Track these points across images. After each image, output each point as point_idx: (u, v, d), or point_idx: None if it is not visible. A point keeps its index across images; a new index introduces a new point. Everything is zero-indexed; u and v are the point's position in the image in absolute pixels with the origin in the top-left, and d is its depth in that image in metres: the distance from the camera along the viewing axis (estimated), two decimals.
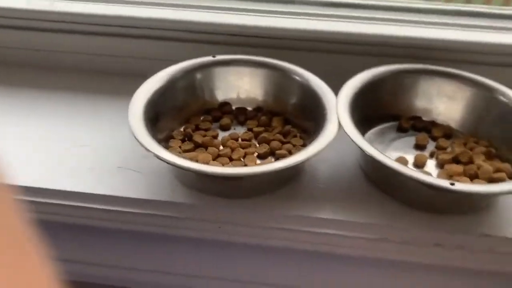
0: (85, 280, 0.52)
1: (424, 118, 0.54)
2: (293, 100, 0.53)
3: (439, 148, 0.51)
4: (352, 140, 0.44)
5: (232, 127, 0.54)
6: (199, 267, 0.50)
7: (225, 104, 0.55)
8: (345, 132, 0.45)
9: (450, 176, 0.47)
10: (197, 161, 0.47)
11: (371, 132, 0.53)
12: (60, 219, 0.47)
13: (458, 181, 0.45)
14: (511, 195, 0.45)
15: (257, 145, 0.51)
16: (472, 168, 0.47)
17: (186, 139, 0.51)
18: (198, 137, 0.50)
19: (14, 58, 0.62)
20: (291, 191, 0.47)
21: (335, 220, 0.45)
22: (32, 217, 0.16)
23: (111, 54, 0.59)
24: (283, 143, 0.51)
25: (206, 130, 0.52)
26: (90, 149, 0.50)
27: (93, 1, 0.59)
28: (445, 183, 0.40)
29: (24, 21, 0.59)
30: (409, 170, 0.42)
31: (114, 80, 0.58)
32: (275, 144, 0.50)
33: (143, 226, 0.46)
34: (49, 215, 0.47)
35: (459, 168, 0.47)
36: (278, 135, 0.51)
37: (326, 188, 0.48)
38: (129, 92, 0.49)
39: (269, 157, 0.50)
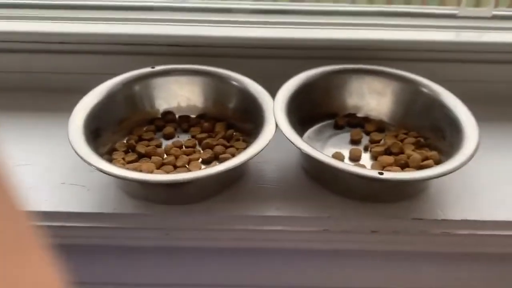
0: None
1: (358, 115, 0.57)
2: (232, 105, 0.55)
3: (372, 141, 0.54)
4: (289, 140, 0.47)
5: (176, 135, 0.55)
6: (149, 275, 0.51)
7: (168, 113, 0.56)
8: (282, 133, 0.47)
9: (382, 167, 0.50)
10: (141, 171, 0.47)
11: (310, 131, 0.55)
12: None
13: (390, 171, 0.48)
14: (439, 181, 0.49)
15: (201, 151, 0.52)
16: (402, 158, 0.51)
17: (129, 150, 0.52)
18: (141, 147, 0.51)
19: None
20: (237, 193, 0.49)
21: (279, 217, 0.47)
22: None
23: (49, 71, 0.59)
24: (226, 147, 0.52)
25: (149, 140, 0.53)
26: (32, 168, 0.50)
27: (28, 19, 0.59)
28: (374, 173, 0.43)
29: None
30: (342, 164, 0.45)
31: (53, 96, 0.58)
32: (218, 148, 0.52)
33: (90, 239, 0.46)
34: None
35: (390, 159, 0.51)
36: (221, 140, 0.53)
37: (271, 187, 0.50)
38: (69, 108, 0.49)
39: (214, 162, 0.51)
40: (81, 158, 0.43)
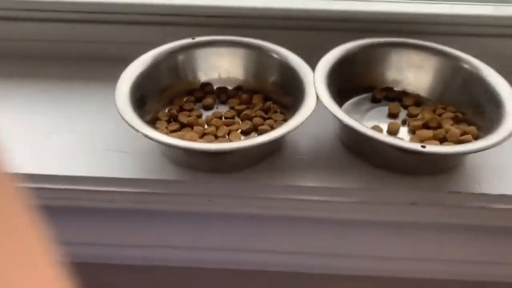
0: (79, 261, 0.53)
1: (395, 89, 0.57)
2: (272, 77, 0.55)
3: (410, 115, 0.54)
4: (330, 111, 0.47)
5: (215, 107, 0.56)
6: (192, 239, 0.53)
7: (207, 85, 0.57)
8: (323, 105, 0.48)
9: (421, 141, 0.50)
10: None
11: (347, 104, 0.56)
12: (52, 203, 0.48)
13: (428, 144, 0.49)
14: (476, 156, 0.49)
15: (240, 122, 0.53)
16: (441, 132, 0.51)
17: (171, 120, 0.53)
18: (183, 118, 0.52)
19: None
20: (275, 163, 0.50)
21: (317, 187, 0.48)
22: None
23: (92, 41, 0.60)
24: (265, 119, 0.53)
25: (190, 110, 0.54)
26: (78, 135, 0.52)
27: None
28: (417, 146, 0.44)
29: (4, 12, 0.59)
30: (385, 136, 0.46)
31: (97, 66, 0.59)
32: (257, 120, 0.53)
33: (135, 204, 0.48)
34: (40, 199, 0.48)
35: (429, 133, 0.51)
36: (259, 111, 0.54)
37: (308, 159, 0.51)
38: (112, 78, 0.50)
39: (253, 133, 0.52)
40: (130, 125, 0.45)
